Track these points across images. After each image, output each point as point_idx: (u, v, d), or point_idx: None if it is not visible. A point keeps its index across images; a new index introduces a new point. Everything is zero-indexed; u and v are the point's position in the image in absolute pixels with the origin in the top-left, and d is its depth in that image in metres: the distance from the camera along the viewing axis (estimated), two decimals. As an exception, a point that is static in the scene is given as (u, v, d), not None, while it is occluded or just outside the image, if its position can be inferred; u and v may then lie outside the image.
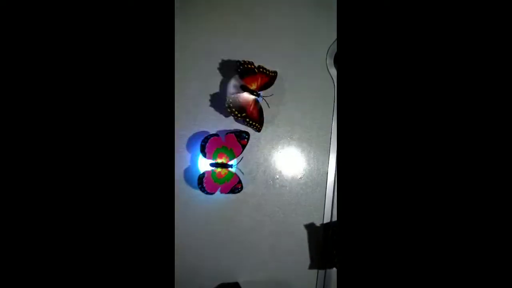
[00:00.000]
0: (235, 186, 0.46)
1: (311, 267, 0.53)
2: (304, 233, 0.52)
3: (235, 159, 0.47)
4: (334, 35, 0.52)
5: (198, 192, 0.45)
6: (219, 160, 0.46)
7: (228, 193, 0.46)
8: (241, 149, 0.47)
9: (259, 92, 0.47)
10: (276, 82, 0.49)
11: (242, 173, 0.48)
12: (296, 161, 0.52)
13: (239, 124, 0.49)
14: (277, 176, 0.52)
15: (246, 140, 0.47)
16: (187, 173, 0.47)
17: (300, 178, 0.52)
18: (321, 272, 0.53)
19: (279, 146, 0.52)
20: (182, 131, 0.47)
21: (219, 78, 0.48)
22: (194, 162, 0.47)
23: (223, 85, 0.48)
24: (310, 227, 0.53)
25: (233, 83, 0.47)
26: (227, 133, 0.46)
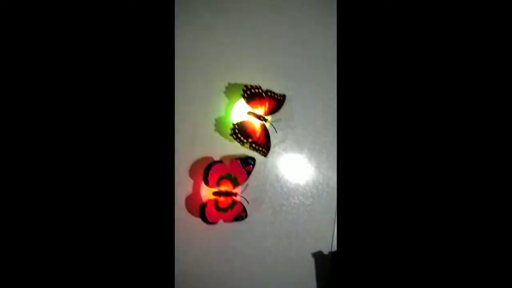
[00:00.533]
0: (239, 214, 0.44)
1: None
2: (311, 262, 0.50)
3: (239, 187, 0.45)
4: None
5: (199, 220, 0.43)
6: (223, 188, 0.43)
7: (232, 221, 0.44)
8: (246, 176, 0.44)
9: (266, 117, 0.45)
10: (284, 105, 0.46)
11: (247, 201, 0.46)
12: (304, 187, 0.50)
13: (245, 149, 0.47)
14: (284, 203, 0.49)
15: (251, 166, 0.44)
16: (189, 201, 0.45)
17: (309, 204, 0.50)
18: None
19: (286, 171, 0.49)
20: (184, 157, 0.45)
21: (224, 101, 0.46)
22: (196, 190, 0.45)
23: (228, 108, 0.46)
24: (317, 256, 0.50)
25: (238, 108, 0.45)
26: (232, 160, 0.44)
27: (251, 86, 0.43)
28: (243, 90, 0.43)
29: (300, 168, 0.50)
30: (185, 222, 0.45)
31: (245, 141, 0.44)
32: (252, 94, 0.43)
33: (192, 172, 0.45)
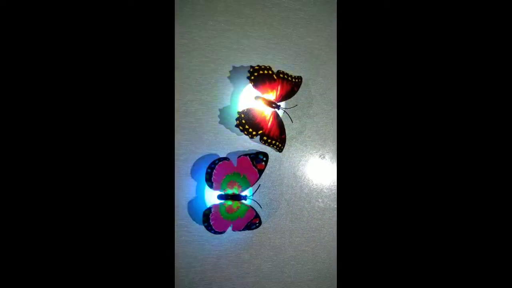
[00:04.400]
0: (251, 221, 0.37)
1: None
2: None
3: (250, 188, 0.37)
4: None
5: (204, 230, 0.36)
6: (229, 191, 0.36)
7: (243, 230, 0.37)
8: (258, 175, 0.37)
9: (278, 104, 0.38)
10: (300, 89, 0.39)
11: (260, 206, 0.38)
12: (330, 187, 0.42)
13: (256, 143, 0.39)
14: (306, 206, 0.41)
15: (264, 163, 0.37)
16: (192, 206, 0.38)
17: (336, 207, 0.42)
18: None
19: (307, 169, 0.41)
20: (185, 155, 0.38)
21: (229, 88, 0.39)
22: (200, 192, 0.38)
23: (234, 96, 0.39)
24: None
25: (244, 93, 0.38)
26: (239, 156, 0.37)
27: (259, 66, 0.36)
28: (249, 72, 0.36)
29: (324, 165, 0.42)
30: (188, 231, 0.38)
31: (254, 133, 0.36)
32: (260, 76, 0.36)
33: (194, 172, 0.38)
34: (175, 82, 0.38)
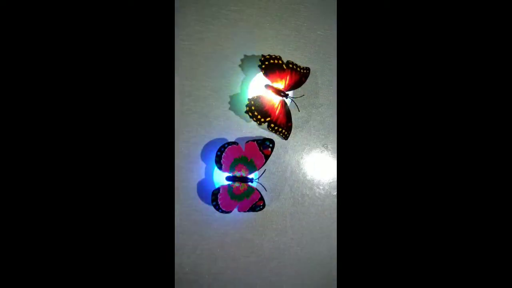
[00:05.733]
0: (256, 203, 0.39)
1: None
2: (336, 262, 0.43)
3: (256, 172, 0.40)
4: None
5: (213, 209, 0.38)
6: (237, 173, 0.39)
7: (248, 211, 0.39)
8: (264, 160, 0.39)
9: (287, 93, 0.40)
10: (308, 80, 0.40)
11: (265, 189, 0.41)
12: (331, 175, 0.44)
13: (264, 130, 0.41)
14: (307, 192, 0.43)
15: (270, 149, 0.39)
16: (201, 187, 0.40)
17: (336, 195, 0.44)
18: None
19: (310, 157, 0.43)
20: (195, 138, 0.40)
21: (239, 76, 0.41)
22: (209, 174, 0.40)
23: (244, 84, 0.41)
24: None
25: (255, 82, 0.40)
26: (247, 141, 0.38)
27: (270, 55, 0.38)
28: (261, 60, 0.38)
29: (327, 154, 0.44)
30: (196, 210, 0.40)
31: (262, 119, 0.38)
32: (270, 65, 0.38)
33: (204, 155, 0.40)
34: (188, 68, 0.39)
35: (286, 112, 0.40)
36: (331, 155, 0.44)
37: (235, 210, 0.39)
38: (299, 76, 0.40)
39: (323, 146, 0.44)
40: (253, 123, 0.40)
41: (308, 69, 0.40)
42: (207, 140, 0.40)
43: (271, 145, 0.39)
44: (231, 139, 0.41)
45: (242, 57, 0.41)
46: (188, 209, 0.40)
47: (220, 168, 0.38)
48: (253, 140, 0.39)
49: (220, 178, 0.39)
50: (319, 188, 0.44)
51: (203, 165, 0.40)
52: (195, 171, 0.40)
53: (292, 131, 0.41)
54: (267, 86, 0.39)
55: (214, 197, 0.37)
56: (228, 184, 0.38)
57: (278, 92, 0.39)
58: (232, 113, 0.41)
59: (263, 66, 0.38)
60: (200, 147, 0.40)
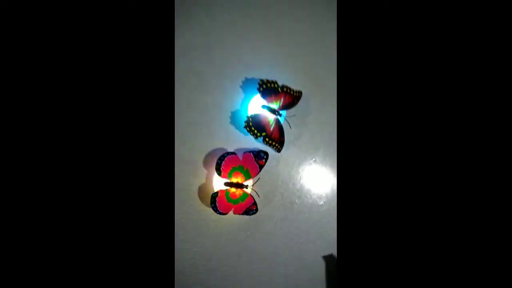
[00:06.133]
0: (249, 207, 0.44)
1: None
2: (322, 265, 0.48)
3: (251, 180, 0.45)
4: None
5: (210, 211, 0.43)
6: (234, 180, 0.44)
7: (242, 214, 0.44)
8: (258, 170, 0.45)
9: (281, 112, 0.46)
10: (300, 102, 0.46)
11: (258, 195, 0.46)
12: (318, 186, 0.49)
13: (259, 144, 0.47)
14: (296, 201, 0.49)
15: (264, 160, 0.45)
16: (202, 191, 0.46)
17: (322, 204, 0.49)
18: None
19: (300, 169, 0.49)
20: (200, 147, 0.46)
21: (240, 95, 0.47)
22: (209, 180, 0.46)
23: (244, 102, 0.47)
24: (329, 259, 0.49)
25: (253, 101, 0.46)
26: (244, 152, 0.44)
27: (267, 80, 0.44)
28: (259, 84, 0.44)
29: (314, 168, 0.49)
30: (195, 210, 0.45)
31: (258, 134, 0.44)
32: (267, 89, 0.44)
33: (206, 162, 0.46)
34: (196, 85, 0.46)
35: (280, 128, 0.46)
36: (319, 168, 0.49)
37: (231, 213, 0.44)
38: (292, 99, 0.46)
39: (311, 159, 0.49)
40: (251, 137, 0.46)
41: (300, 92, 0.46)
42: (209, 149, 0.46)
43: (265, 157, 0.45)
44: (230, 149, 0.46)
45: (243, 79, 0.47)
46: (190, 209, 0.45)
47: (219, 174, 0.43)
48: (250, 152, 0.44)
49: (219, 184, 0.44)
50: (307, 197, 0.49)
51: (204, 171, 0.46)
52: (197, 176, 0.46)
53: (284, 145, 0.46)
54: (263, 106, 0.45)
55: (213, 200, 0.42)
56: (226, 189, 0.44)
57: (273, 111, 0.45)
58: (232, 127, 0.47)
59: (261, 89, 0.44)
60: (203, 155, 0.46)
